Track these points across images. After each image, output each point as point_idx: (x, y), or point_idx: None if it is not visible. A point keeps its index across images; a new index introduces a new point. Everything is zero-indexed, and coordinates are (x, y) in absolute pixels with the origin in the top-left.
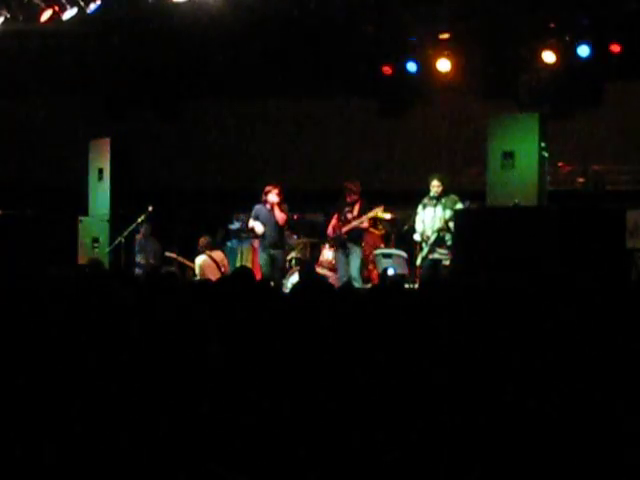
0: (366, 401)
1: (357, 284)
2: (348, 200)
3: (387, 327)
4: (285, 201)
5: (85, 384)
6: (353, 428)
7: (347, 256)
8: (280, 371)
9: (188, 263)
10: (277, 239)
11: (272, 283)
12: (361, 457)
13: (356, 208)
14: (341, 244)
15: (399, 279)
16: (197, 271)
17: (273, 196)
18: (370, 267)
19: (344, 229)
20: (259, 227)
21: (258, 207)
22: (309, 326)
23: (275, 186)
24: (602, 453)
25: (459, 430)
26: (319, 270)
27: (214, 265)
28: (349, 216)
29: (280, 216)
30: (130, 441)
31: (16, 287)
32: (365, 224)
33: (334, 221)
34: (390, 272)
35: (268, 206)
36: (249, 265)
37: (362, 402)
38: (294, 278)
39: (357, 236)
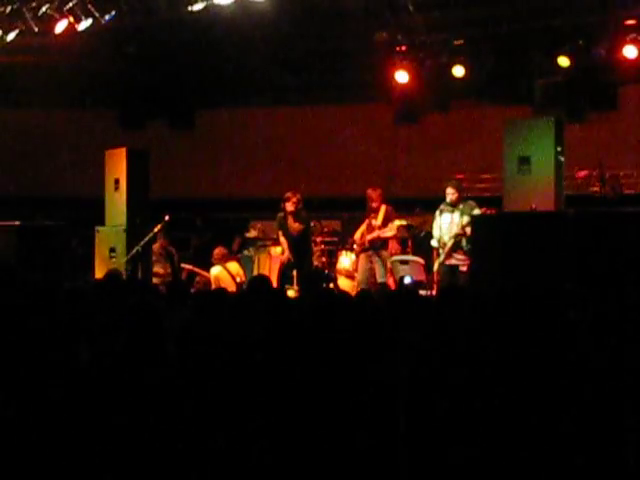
0: (380, 409)
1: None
2: (371, 207)
3: (403, 336)
4: (304, 209)
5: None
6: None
7: (370, 263)
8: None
9: (204, 274)
10: (294, 249)
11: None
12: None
13: (380, 216)
14: (365, 250)
15: (415, 287)
16: (212, 282)
17: (289, 204)
18: (389, 274)
19: (368, 237)
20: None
21: (279, 215)
22: (323, 336)
23: (294, 194)
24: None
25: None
26: (338, 277)
27: (229, 276)
28: (373, 222)
29: (293, 226)
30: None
31: (33, 300)
32: (389, 234)
33: (364, 227)
34: (407, 280)
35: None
36: (266, 273)
37: (375, 409)
38: None
39: (382, 243)
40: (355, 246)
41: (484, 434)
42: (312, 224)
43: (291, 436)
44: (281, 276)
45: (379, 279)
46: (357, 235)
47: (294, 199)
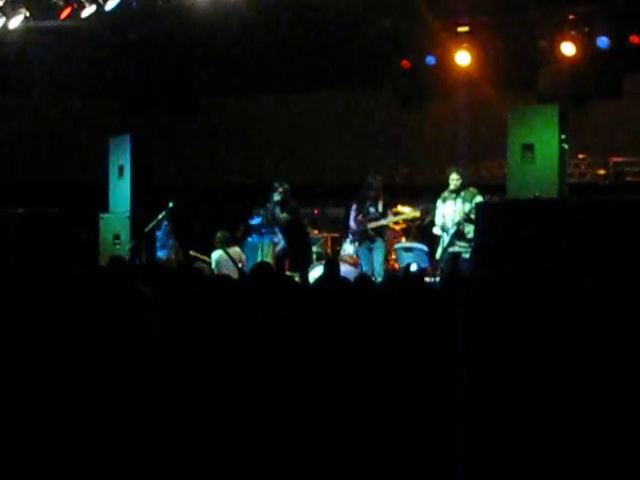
0: (382, 395)
1: (380, 278)
2: (371, 194)
3: (406, 322)
4: (292, 199)
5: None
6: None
7: (371, 251)
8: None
9: (206, 259)
10: (286, 238)
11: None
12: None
13: (380, 203)
14: (365, 238)
15: (421, 275)
16: (213, 266)
17: (276, 194)
18: (392, 261)
19: (371, 225)
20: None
21: (268, 205)
22: (330, 321)
23: (280, 184)
24: None
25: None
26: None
27: (230, 261)
28: (372, 210)
29: (280, 216)
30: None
31: (39, 286)
32: (391, 221)
33: (354, 213)
34: (413, 267)
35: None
36: (270, 260)
37: (379, 395)
38: (316, 272)
39: (380, 230)
40: (352, 235)
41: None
42: (315, 212)
43: (292, 418)
44: (277, 264)
45: (376, 267)
46: (352, 223)
47: (280, 189)
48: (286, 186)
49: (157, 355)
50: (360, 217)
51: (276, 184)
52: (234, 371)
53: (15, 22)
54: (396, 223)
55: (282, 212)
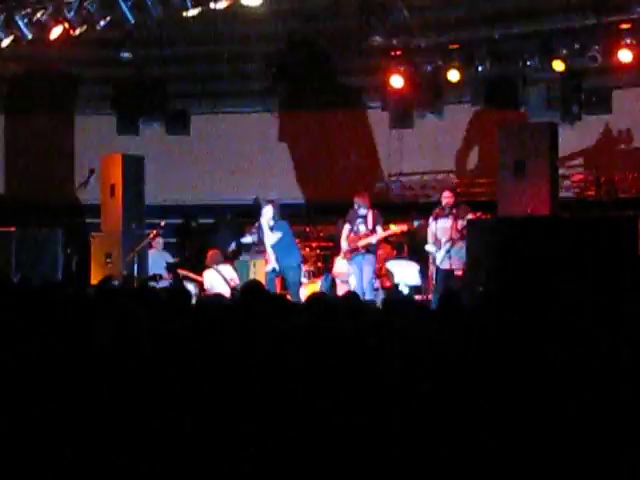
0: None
1: (368, 296)
2: (359, 212)
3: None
4: (280, 218)
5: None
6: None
7: (361, 268)
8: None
9: (198, 278)
10: (278, 257)
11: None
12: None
13: (369, 220)
14: (356, 256)
15: (408, 295)
16: (206, 285)
17: (262, 217)
18: (384, 279)
19: (361, 243)
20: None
21: (256, 226)
22: (321, 339)
23: (267, 204)
24: None
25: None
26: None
27: (222, 279)
28: (362, 228)
29: (269, 235)
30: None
31: (32, 304)
32: (380, 237)
33: (346, 232)
34: (404, 289)
35: None
36: (261, 279)
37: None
38: (309, 290)
39: (372, 248)
40: (343, 253)
41: (480, 438)
42: (306, 229)
43: (283, 442)
44: (268, 284)
45: (364, 284)
46: (343, 242)
47: (268, 208)
48: (276, 206)
49: (147, 374)
50: (351, 235)
51: (265, 203)
52: (226, 390)
53: (6, 42)
54: (388, 241)
55: (271, 231)
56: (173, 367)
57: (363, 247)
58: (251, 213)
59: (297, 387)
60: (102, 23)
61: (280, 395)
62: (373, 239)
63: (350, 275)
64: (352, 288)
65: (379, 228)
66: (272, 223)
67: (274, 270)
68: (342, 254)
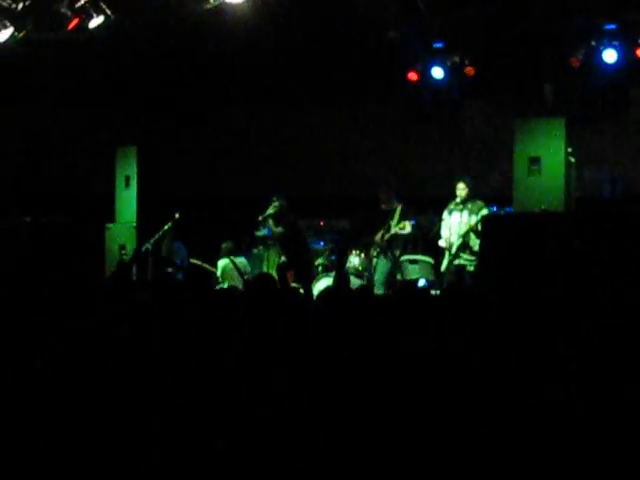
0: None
1: (379, 290)
2: (383, 208)
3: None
4: (288, 213)
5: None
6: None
7: (376, 264)
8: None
9: (211, 269)
10: (286, 251)
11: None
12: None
13: (397, 216)
14: (382, 251)
15: (425, 290)
16: (219, 274)
17: (270, 208)
18: (396, 274)
19: (386, 237)
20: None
21: (264, 218)
22: (333, 332)
23: (277, 198)
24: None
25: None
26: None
27: (235, 271)
28: (390, 223)
29: (275, 230)
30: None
31: (45, 296)
32: (406, 231)
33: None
34: (421, 282)
35: None
36: (274, 272)
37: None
38: (322, 284)
39: (387, 243)
40: (375, 246)
41: (480, 436)
42: (320, 223)
43: (293, 433)
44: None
45: (378, 277)
46: (378, 237)
47: (275, 203)
48: (282, 201)
49: (155, 367)
50: (383, 230)
51: (274, 198)
52: (235, 382)
53: (22, 33)
54: (402, 236)
55: (277, 226)
56: (185, 357)
57: (387, 241)
58: (265, 206)
59: (309, 379)
60: (118, 15)
61: (292, 387)
62: (394, 231)
63: (364, 270)
64: (373, 284)
65: (407, 223)
66: (278, 218)
67: (287, 262)
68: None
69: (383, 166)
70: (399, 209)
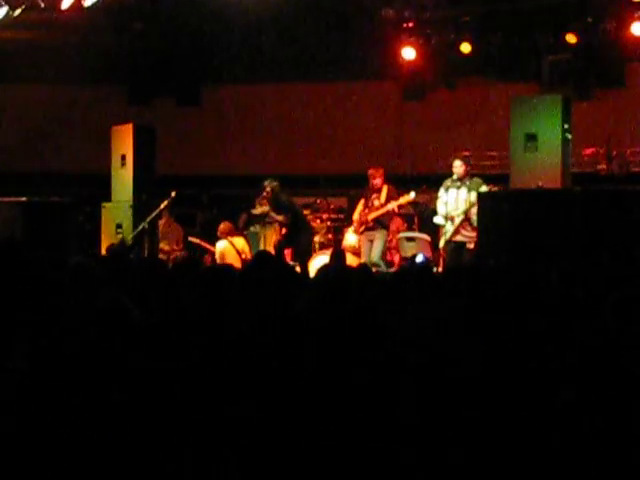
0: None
1: (380, 269)
2: (373, 186)
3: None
4: (282, 194)
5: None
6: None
7: (372, 241)
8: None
9: (210, 248)
10: (288, 234)
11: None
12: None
13: (383, 194)
14: (367, 229)
15: (427, 266)
16: (217, 256)
17: (265, 193)
18: (393, 251)
19: (370, 216)
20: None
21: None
22: (334, 310)
23: (269, 183)
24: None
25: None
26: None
27: (234, 251)
28: (376, 203)
29: (277, 218)
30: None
31: (40, 274)
32: (392, 209)
33: (360, 207)
34: (419, 259)
35: None
36: (272, 250)
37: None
38: (318, 262)
39: (384, 221)
40: (355, 225)
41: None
42: (317, 201)
43: (291, 415)
44: (277, 254)
45: (374, 259)
46: (355, 215)
47: (268, 188)
48: (274, 184)
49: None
50: (363, 209)
51: (265, 183)
52: (232, 361)
53: (18, 11)
54: (399, 213)
55: (273, 210)
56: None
57: (372, 220)
58: (261, 184)
59: (307, 363)
60: None
61: (290, 372)
62: (382, 210)
63: (360, 249)
64: (361, 261)
65: (390, 204)
66: (275, 205)
67: (285, 241)
68: (353, 227)
69: (381, 143)
70: (386, 188)
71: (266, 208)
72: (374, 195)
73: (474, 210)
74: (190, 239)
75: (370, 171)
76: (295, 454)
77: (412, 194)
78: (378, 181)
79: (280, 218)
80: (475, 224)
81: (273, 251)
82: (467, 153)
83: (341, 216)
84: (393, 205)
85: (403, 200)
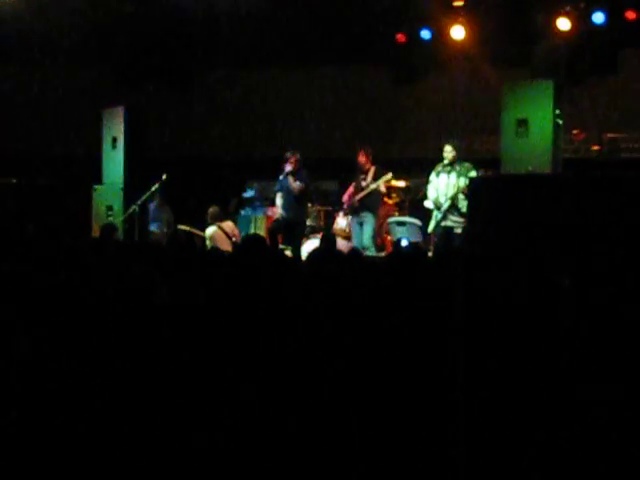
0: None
1: (369, 252)
2: (361, 167)
3: (404, 297)
4: (304, 168)
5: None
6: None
7: (361, 224)
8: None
9: (200, 234)
10: (293, 209)
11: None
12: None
13: (370, 175)
14: (355, 212)
15: (415, 249)
16: (207, 242)
17: (287, 165)
18: (384, 235)
19: (357, 197)
20: (278, 201)
21: (281, 178)
22: (326, 294)
23: (293, 154)
24: None
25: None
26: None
27: (224, 236)
28: (363, 184)
29: (293, 185)
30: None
31: (31, 256)
32: (380, 188)
33: (350, 189)
34: (404, 243)
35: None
36: (262, 233)
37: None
38: (309, 246)
39: (372, 204)
40: (345, 207)
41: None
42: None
43: (284, 400)
44: (271, 237)
45: (365, 242)
46: (345, 197)
47: (292, 159)
48: (298, 156)
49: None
50: (353, 191)
51: (288, 154)
52: (223, 345)
53: None
54: (388, 196)
55: (295, 181)
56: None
57: (360, 200)
58: (252, 168)
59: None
60: None
61: (284, 352)
62: (366, 191)
63: (350, 232)
64: (351, 245)
65: (375, 183)
66: (296, 173)
67: (278, 224)
68: (342, 210)
69: (371, 127)
70: (373, 169)
71: (291, 184)
72: (362, 176)
73: (461, 196)
74: (179, 227)
75: (359, 153)
76: (286, 435)
77: (389, 174)
78: (362, 159)
79: (295, 185)
80: (462, 210)
81: (267, 235)
82: (458, 138)
83: (331, 200)
84: (374, 186)
85: (381, 181)
